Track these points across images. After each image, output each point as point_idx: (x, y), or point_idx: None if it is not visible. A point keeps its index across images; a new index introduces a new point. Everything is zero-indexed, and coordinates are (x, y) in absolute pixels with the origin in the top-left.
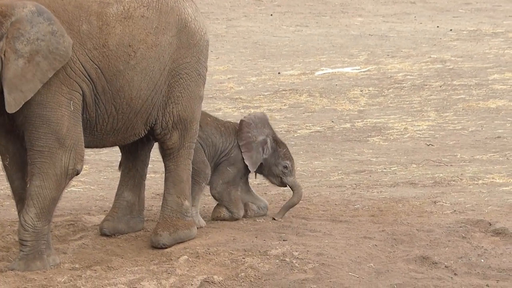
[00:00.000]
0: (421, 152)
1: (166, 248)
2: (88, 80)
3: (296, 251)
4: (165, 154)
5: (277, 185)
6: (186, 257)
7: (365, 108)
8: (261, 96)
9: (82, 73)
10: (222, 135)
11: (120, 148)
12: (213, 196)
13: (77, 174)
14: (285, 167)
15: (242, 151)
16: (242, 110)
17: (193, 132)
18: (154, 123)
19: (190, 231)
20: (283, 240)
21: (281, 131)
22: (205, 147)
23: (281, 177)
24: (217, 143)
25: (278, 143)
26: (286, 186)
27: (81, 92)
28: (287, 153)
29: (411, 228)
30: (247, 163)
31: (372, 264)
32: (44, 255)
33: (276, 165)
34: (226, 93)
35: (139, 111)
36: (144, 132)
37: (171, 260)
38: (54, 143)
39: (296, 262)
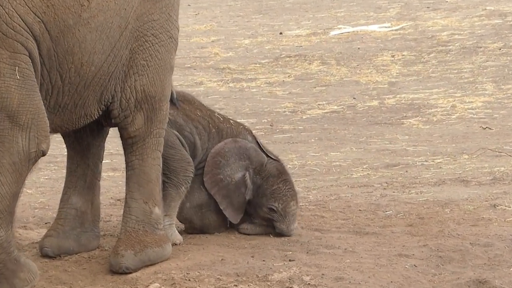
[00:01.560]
0: (475, 138)
1: (130, 273)
2: (32, 38)
3: (307, 275)
4: (127, 145)
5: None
6: (157, 285)
7: (398, 79)
8: (257, 65)
9: (23, 29)
10: (211, 139)
11: (64, 138)
12: (180, 221)
13: (43, 155)
14: (271, 209)
15: (217, 200)
16: (231, 84)
17: (162, 114)
18: (110, 100)
19: (162, 249)
20: (289, 261)
21: (284, 112)
22: (185, 146)
23: (272, 223)
24: (199, 147)
25: (264, 176)
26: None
27: (27, 53)
28: (277, 191)
29: (462, 241)
30: (226, 214)
31: None
32: (21, 260)
33: (260, 206)
34: (209, 61)
35: (91, 82)
36: (98, 113)
37: None
38: (4, 123)
39: None
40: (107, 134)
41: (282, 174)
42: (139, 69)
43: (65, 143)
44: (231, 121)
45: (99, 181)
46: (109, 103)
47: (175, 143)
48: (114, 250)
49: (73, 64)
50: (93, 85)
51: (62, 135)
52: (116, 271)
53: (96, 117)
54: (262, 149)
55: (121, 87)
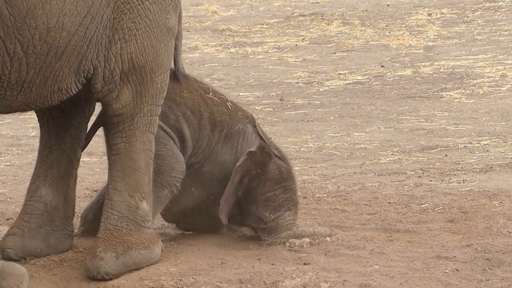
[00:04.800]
0: None
1: (111, 279)
2: None
3: (326, 282)
4: (111, 124)
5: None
6: None
7: (437, 43)
8: (264, 26)
9: None
10: (202, 127)
11: (37, 115)
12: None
13: None
14: (260, 219)
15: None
16: (232, 50)
17: (156, 88)
18: (91, 72)
19: (150, 251)
20: (304, 264)
21: (297, 83)
22: (175, 140)
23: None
24: (188, 138)
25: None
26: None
27: None
28: (271, 199)
29: None
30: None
31: None
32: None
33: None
34: (206, 21)
35: (63, 51)
36: (76, 88)
37: None
38: None
39: None
40: (92, 112)
41: (284, 180)
42: (126, 33)
43: (38, 121)
44: (228, 103)
45: (75, 169)
46: (90, 75)
47: (159, 136)
48: (92, 252)
49: (36, 29)
50: (66, 54)
51: (35, 112)
52: (94, 276)
53: (75, 92)
54: (265, 143)
55: (104, 56)
